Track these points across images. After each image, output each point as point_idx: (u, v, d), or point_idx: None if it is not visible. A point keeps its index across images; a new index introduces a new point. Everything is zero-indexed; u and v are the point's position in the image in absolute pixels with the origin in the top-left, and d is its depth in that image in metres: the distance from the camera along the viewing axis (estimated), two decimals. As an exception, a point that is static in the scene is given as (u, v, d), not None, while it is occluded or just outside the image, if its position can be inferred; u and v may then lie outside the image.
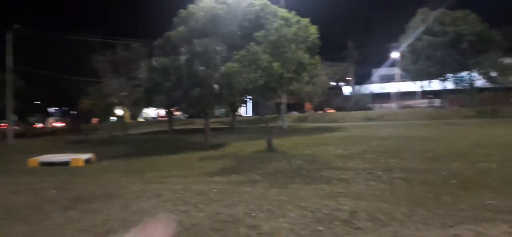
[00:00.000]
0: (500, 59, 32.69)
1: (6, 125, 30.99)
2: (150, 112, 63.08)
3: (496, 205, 5.84)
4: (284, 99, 18.57)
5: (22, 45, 30.67)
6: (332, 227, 5.04)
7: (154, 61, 21.61)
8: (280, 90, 16.60)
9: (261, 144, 16.26)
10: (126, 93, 25.73)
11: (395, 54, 39.55)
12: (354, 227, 5.08)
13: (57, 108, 64.45)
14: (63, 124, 53.30)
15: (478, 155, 10.93)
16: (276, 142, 16.09)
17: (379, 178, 8.42)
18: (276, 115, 32.18)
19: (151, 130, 35.49)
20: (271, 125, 18.12)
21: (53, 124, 55.02)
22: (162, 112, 55.98)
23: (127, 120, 28.31)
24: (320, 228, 4.99)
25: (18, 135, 31.17)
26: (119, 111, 30.68)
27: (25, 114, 43.11)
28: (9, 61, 28.96)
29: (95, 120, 44.65)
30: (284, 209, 6.05)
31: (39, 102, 50.27)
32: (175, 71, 20.80)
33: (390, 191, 7.21)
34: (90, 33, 31.13)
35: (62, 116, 61.03)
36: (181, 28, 23.72)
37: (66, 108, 57.71)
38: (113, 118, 36.98)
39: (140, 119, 55.68)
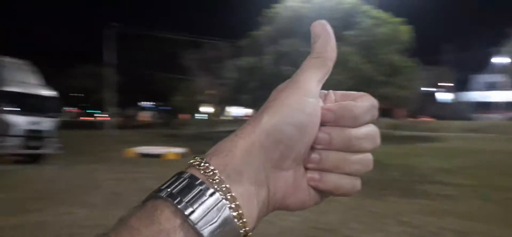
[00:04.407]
0: None
1: (107, 116, 34.11)
2: (233, 110, 64.60)
3: None
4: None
5: (119, 43, 33.32)
6: (442, 250, 4.56)
7: (241, 61, 21.97)
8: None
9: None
10: (213, 91, 26.67)
11: (499, 60, 35.51)
12: (468, 251, 4.54)
13: (150, 102, 68.32)
14: (149, 117, 57.05)
15: None
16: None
17: (487, 197, 7.58)
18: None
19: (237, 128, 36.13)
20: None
21: (142, 117, 59.02)
22: (248, 111, 56.71)
23: (216, 117, 29.50)
24: (429, 249, 4.55)
25: (119, 126, 33.29)
26: (208, 109, 31.80)
27: (122, 107, 46.81)
28: (108, 57, 31.74)
29: (183, 116, 47.10)
30: (382, 223, 5.69)
31: (134, 96, 53.98)
32: (260, 71, 20.96)
33: (502, 213, 6.42)
34: (180, 32, 32.76)
35: (153, 111, 64.87)
36: (266, 28, 23.87)
37: (162, 104, 60.65)
38: (199, 115, 38.44)
39: (222, 117, 57.33)
